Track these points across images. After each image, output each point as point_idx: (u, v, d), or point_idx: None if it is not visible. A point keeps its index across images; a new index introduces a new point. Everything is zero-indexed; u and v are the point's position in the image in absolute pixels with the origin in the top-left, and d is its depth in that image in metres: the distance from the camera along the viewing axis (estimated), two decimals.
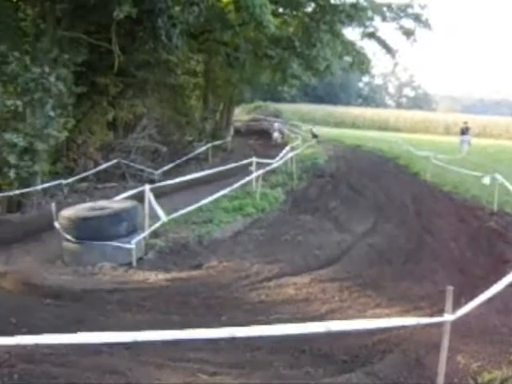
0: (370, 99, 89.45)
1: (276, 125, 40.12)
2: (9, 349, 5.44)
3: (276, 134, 37.85)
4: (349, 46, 29.77)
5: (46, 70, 14.91)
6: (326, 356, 5.98)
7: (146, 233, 10.47)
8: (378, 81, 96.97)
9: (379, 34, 30.90)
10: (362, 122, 62.39)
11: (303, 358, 5.94)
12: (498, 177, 14.75)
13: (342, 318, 6.98)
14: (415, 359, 5.51)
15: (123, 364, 5.42)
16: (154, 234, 11.08)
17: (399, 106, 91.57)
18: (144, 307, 7.53)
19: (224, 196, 13.89)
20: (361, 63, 31.13)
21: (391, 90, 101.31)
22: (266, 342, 6.19)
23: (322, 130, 41.23)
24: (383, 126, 59.11)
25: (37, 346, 5.55)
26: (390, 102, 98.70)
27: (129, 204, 10.40)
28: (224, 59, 27.50)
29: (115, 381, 4.97)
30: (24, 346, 5.49)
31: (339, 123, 59.88)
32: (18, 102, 14.62)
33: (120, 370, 5.24)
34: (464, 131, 31.16)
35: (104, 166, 19.53)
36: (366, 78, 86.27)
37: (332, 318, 7.01)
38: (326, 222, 13.48)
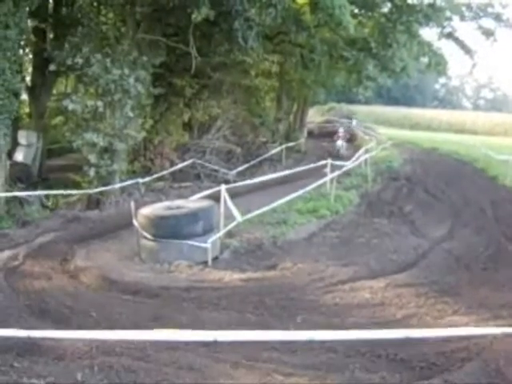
0: (446, 101, 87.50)
1: (341, 131, 32.07)
2: (90, 342, 5.61)
3: (340, 143, 30.38)
4: (425, 47, 29.03)
5: (126, 71, 15.28)
6: (402, 362, 5.86)
7: (222, 232, 10.56)
8: (454, 82, 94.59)
9: (457, 34, 30.12)
10: (438, 124, 61.00)
11: (379, 363, 5.85)
12: None
13: (418, 325, 6.87)
14: (495, 369, 5.34)
15: (199, 361, 5.49)
16: (229, 234, 11.16)
17: (477, 108, 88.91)
18: (219, 306, 7.61)
19: (298, 197, 13.86)
20: (437, 64, 30.33)
21: (468, 91, 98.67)
22: (342, 345, 6.14)
23: (397, 133, 40.53)
24: (460, 129, 57.63)
25: (116, 340, 5.73)
26: (466, 104, 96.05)
27: (205, 204, 10.53)
28: (299, 61, 27.45)
29: (191, 377, 5.03)
30: (104, 340, 5.65)
31: (414, 126, 58.85)
32: (99, 103, 15.08)
33: (196, 367, 5.31)
34: None
35: (180, 165, 19.84)
36: (442, 80, 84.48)
37: (408, 324, 6.91)
38: (401, 226, 13.29)
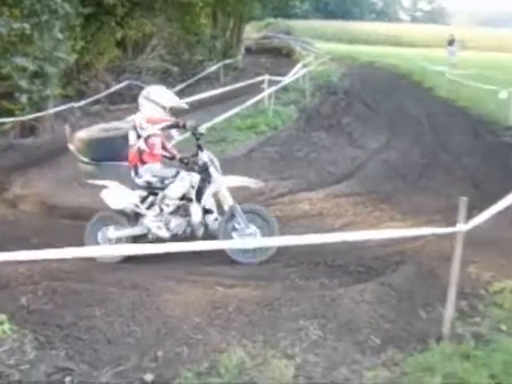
0: (383, 14, 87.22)
1: None
2: (31, 266, 5.62)
3: None
4: None
5: None
6: (340, 267, 6.10)
7: None
8: None
9: None
10: (376, 38, 60.53)
11: (318, 270, 6.07)
12: None
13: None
14: (428, 270, 5.60)
15: (144, 279, 5.57)
16: None
17: (414, 20, 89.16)
18: None
19: (237, 115, 13.81)
20: None
21: (406, 3, 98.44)
22: (282, 257, 6.34)
23: (335, 47, 40.31)
24: (397, 42, 57.46)
25: (58, 265, 5.75)
26: (404, 16, 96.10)
27: None
28: None
29: (137, 295, 5.11)
30: (46, 266, 5.67)
31: (352, 39, 58.31)
32: (26, 25, 14.38)
33: (141, 285, 5.38)
34: (450, 42, 32.98)
35: (115, 87, 19.40)
36: None
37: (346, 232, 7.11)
38: (339, 139, 13.46)
